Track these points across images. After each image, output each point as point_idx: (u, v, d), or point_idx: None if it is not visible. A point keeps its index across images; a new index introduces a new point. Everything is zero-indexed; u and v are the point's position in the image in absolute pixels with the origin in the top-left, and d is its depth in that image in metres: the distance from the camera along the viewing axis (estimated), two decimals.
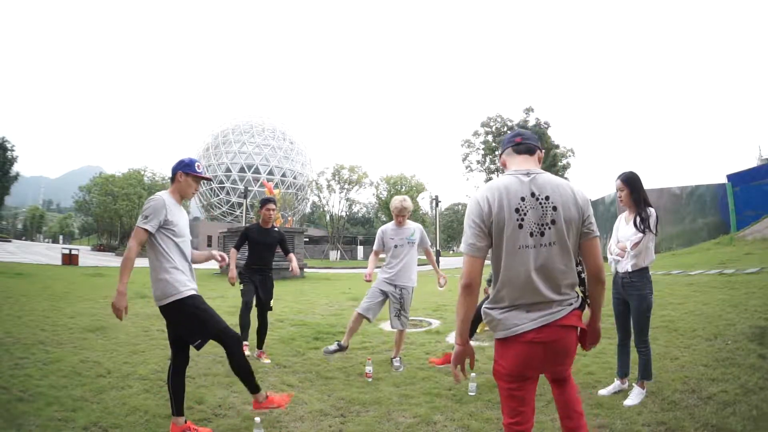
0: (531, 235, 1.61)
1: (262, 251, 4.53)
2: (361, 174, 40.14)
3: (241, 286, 4.44)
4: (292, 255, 4.57)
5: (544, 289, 1.62)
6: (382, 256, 4.28)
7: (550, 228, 1.62)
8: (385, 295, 4.02)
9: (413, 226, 4.14)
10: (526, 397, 1.68)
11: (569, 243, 1.64)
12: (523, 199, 1.62)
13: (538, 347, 1.62)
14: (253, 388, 2.75)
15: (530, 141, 1.80)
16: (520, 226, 1.60)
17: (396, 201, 4.04)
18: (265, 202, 4.56)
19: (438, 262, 26.07)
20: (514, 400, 1.69)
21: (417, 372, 3.86)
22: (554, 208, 1.62)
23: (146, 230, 2.48)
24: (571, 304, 1.66)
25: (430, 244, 4.30)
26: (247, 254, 4.59)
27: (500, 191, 1.64)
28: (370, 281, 4.11)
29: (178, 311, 2.54)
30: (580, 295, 1.76)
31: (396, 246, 4.05)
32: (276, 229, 4.61)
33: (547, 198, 1.63)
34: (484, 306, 1.75)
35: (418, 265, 4.33)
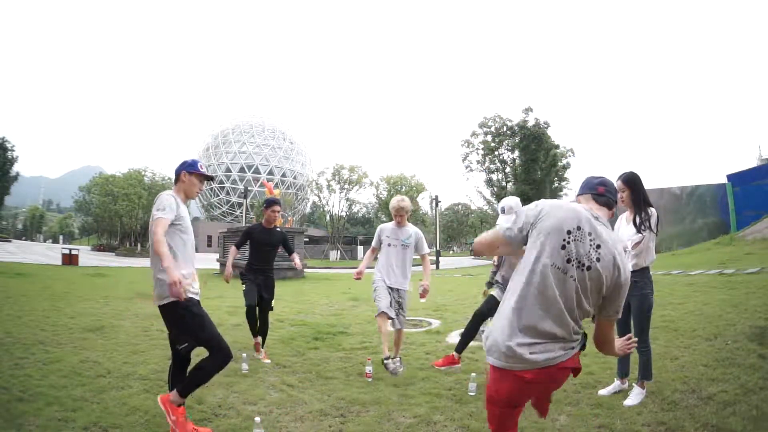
0: (568, 261, 1.58)
1: (264, 252, 4.52)
2: (361, 174, 40.12)
3: (244, 287, 4.43)
4: (295, 254, 4.59)
5: (554, 319, 1.58)
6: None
7: (583, 270, 1.58)
8: (387, 289, 4.00)
9: (412, 231, 4.08)
10: (508, 419, 1.74)
11: (591, 293, 1.61)
12: (579, 228, 1.60)
13: (532, 385, 1.63)
14: (185, 393, 2.57)
15: (611, 195, 1.78)
16: (563, 248, 1.58)
17: (394, 201, 4.02)
18: (271, 203, 4.50)
19: (438, 262, 26.11)
20: (500, 419, 1.74)
21: (417, 372, 3.86)
22: (598, 259, 1.59)
23: (166, 219, 2.46)
24: (574, 347, 1.64)
25: (428, 251, 4.20)
26: (248, 254, 4.59)
27: (564, 209, 1.64)
28: (359, 279, 4.10)
29: (172, 312, 2.54)
30: (582, 334, 1.70)
31: (389, 245, 4.03)
32: (278, 229, 4.61)
33: (598, 246, 1.60)
34: (489, 325, 1.77)
35: (415, 265, 4.30)
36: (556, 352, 1.58)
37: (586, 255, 1.58)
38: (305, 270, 16.61)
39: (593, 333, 1.76)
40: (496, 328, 1.66)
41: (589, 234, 1.60)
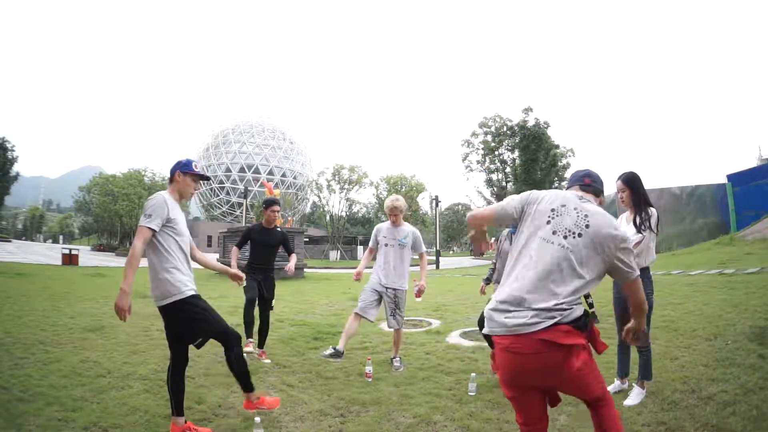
0: (554, 233, 1.70)
1: (264, 251, 4.53)
2: (361, 174, 40.11)
3: (244, 283, 4.43)
4: (293, 255, 4.59)
5: (536, 288, 1.63)
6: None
7: (574, 237, 1.68)
8: (380, 295, 4.01)
9: (408, 230, 4.08)
10: (524, 408, 1.71)
11: (586, 259, 1.67)
12: (564, 205, 1.74)
13: (515, 357, 1.62)
14: (248, 387, 2.77)
15: (597, 185, 1.94)
16: (548, 222, 1.73)
17: (388, 200, 4.03)
18: (270, 203, 4.51)
19: (438, 262, 26.09)
20: (516, 405, 1.73)
21: (417, 372, 3.86)
22: (587, 226, 1.70)
23: (151, 229, 2.47)
24: (555, 317, 1.59)
25: (425, 250, 4.21)
26: (249, 253, 4.59)
27: (551, 192, 1.82)
28: (358, 280, 4.10)
29: (179, 311, 2.54)
30: (576, 310, 1.66)
31: (386, 245, 4.03)
32: (278, 229, 4.61)
33: (585, 216, 1.72)
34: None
35: (414, 265, 4.29)
36: (529, 318, 1.60)
37: (574, 224, 1.70)
38: (305, 270, 16.62)
39: (630, 301, 1.86)
40: (491, 299, 1.77)
41: (575, 209, 1.73)
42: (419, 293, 3.94)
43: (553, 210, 1.74)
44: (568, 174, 32.80)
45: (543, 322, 1.58)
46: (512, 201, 1.85)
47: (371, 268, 4.23)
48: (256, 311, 4.45)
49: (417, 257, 4.27)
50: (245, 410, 2.95)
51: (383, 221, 4.23)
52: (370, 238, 4.21)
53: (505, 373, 1.69)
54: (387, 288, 3.99)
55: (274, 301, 4.60)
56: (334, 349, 3.75)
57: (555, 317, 1.59)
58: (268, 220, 4.49)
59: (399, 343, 4.13)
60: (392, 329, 4.12)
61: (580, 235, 1.68)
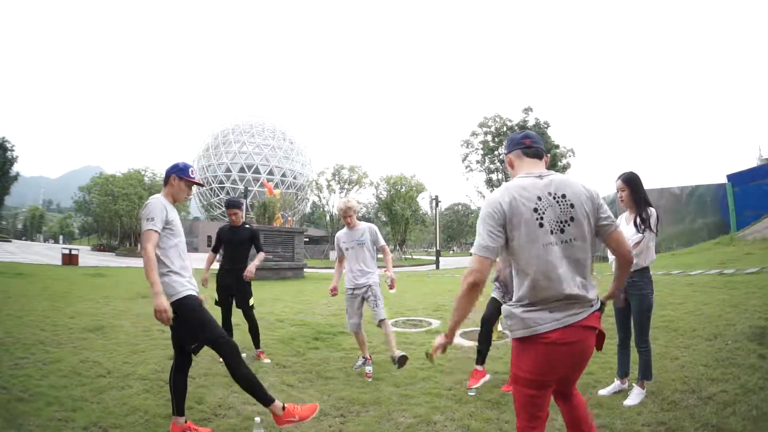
0: (551, 232, 1.62)
1: (232, 250, 4.40)
2: (361, 174, 40.17)
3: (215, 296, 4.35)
4: (261, 254, 4.44)
5: (570, 281, 1.61)
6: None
7: (569, 225, 1.64)
8: (358, 299, 4.00)
9: (364, 227, 4.08)
10: (543, 403, 1.69)
11: (588, 238, 1.68)
12: (540, 198, 1.65)
13: (559, 348, 1.60)
14: (265, 399, 2.50)
15: (538, 145, 1.83)
16: (541, 225, 1.62)
17: (340, 203, 4.06)
18: (227, 206, 4.41)
19: (438, 262, 26.09)
20: (532, 406, 1.67)
21: (417, 372, 3.86)
22: (571, 206, 1.65)
23: (156, 231, 2.46)
24: (592, 305, 1.68)
25: (384, 243, 4.19)
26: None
27: (517, 192, 1.66)
28: (335, 295, 4.10)
29: (175, 313, 2.53)
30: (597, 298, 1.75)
31: (347, 249, 4.04)
32: (247, 226, 4.47)
33: (563, 196, 1.66)
34: (505, 304, 1.75)
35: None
36: (574, 309, 1.63)
37: (562, 212, 1.64)
38: (305, 270, 16.61)
39: (619, 254, 1.83)
40: (511, 307, 1.70)
41: (549, 194, 1.65)
42: (392, 285, 3.95)
43: (536, 210, 1.62)
44: (568, 174, 32.83)
45: (585, 311, 1.65)
46: (489, 229, 1.64)
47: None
48: (242, 319, 4.35)
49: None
50: (245, 410, 2.95)
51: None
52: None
53: (539, 368, 1.63)
54: (359, 288, 3.99)
55: (252, 300, 4.40)
56: (363, 358, 4.01)
57: (593, 305, 1.67)
58: (232, 221, 4.41)
59: (391, 337, 3.95)
60: (379, 320, 3.98)
61: (572, 219, 1.64)
